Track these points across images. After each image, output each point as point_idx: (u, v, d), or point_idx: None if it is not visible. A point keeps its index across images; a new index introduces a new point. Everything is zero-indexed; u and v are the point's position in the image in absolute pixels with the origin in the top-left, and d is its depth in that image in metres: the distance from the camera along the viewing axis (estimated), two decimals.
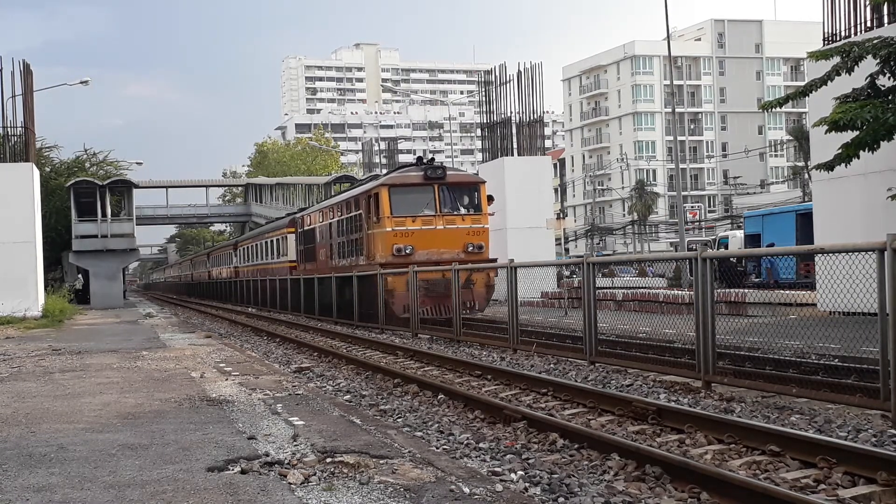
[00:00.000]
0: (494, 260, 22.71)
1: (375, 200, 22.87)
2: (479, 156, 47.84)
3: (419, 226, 22.32)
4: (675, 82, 51.77)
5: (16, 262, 27.83)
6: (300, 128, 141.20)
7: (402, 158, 59.62)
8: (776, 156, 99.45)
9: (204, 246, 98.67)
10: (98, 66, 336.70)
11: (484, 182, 23.77)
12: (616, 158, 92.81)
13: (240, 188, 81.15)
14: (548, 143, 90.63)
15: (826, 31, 19.79)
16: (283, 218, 43.10)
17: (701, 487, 5.73)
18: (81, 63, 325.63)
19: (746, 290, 21.30)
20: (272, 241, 40.95)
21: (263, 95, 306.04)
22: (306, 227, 32.37)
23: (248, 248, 48.27)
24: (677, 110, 47.37)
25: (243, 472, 5.66)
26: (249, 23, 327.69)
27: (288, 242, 36.60)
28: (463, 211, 22.91)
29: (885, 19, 18.29)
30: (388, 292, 21.29)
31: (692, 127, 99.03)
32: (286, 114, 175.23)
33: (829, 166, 15.95)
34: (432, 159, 24.21)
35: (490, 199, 23.51)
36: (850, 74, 15.26)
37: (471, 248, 22.29)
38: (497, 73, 37.48)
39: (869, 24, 18.76)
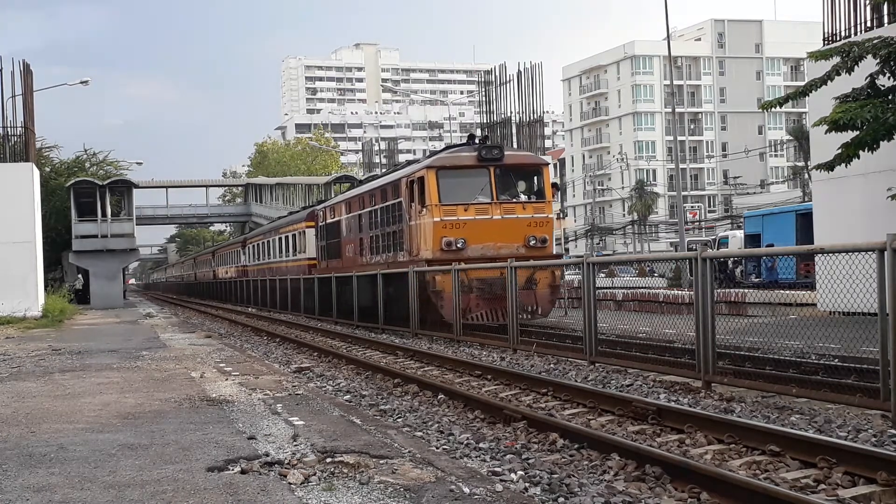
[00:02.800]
0: (560, 256, 20.17)
1: (420, 186, 19.57)
2: None
3: (472, 215, 19.03)
4: (675, 82, 51.79)
5: (16, 262, 27.81)
6: (300, 128, 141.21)
7: (402, 158, 59.61)
8: (776, 156, 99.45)
9: (205, 245, 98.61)
10: (98, 66, 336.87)
11: (548, 164, 20.83)
12: (616, 158, 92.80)
13: (240, 188, 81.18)
14: (548, 143, 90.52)
15: (826, 31, 19.79)
16: (298, 211, 40.29)
17: (701, 487, 5.73)
18: (82, 63, 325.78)
19: (746, 290, 21.31)
20: (287, 238, 37.82)
21: (263, 95, 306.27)
22: (328, 221, 29.18)
23: (258, 245, 45.41)
24: (677, 110, 47.38)
25: (243, 472, 5.66)
26: (249, 23, 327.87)
27: (306, 238, 33.67)
28: (523, 198, 19.68)
29: (885, 19, 18.29)
30: (435, 293, 18.32)
31: (692, 127, 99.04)
32: (286, 114, 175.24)
33: (829, 166, 15.95)
34: (486, 137, 21.17)
35: (554, 186, 20.51)
36: (850, 74, 15.26)
37: (532, 242, 19.05)
38: (497, 73, 37.53)
39: (869, 24, 18.76)
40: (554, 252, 20.12)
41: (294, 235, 36.30)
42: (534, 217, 19.32)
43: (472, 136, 20.56)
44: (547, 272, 18.30)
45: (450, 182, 19.18)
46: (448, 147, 21.75)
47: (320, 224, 30.49)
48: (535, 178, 19.97)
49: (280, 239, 39.31)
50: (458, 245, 18.79)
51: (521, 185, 19.86)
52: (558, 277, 19.25)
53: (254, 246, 46.71)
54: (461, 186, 19.24)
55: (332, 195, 42.11)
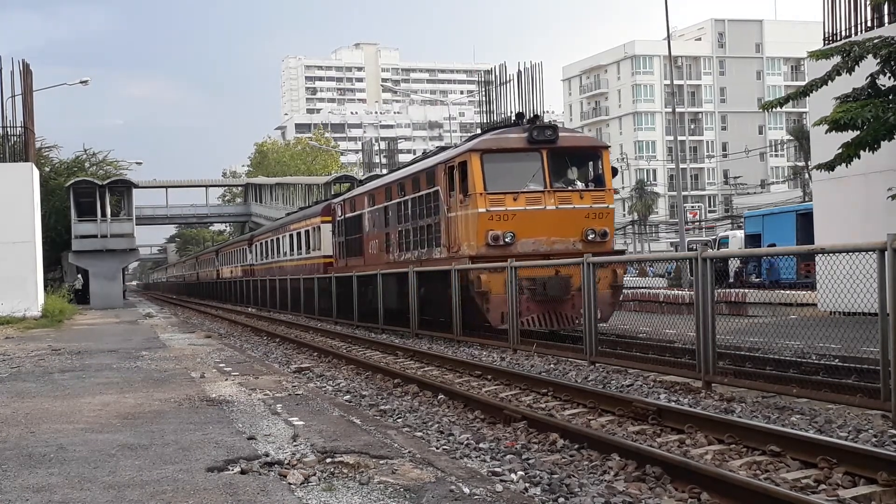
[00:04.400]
0: (622, 252, 18.01)
1: (462, 172, 17.24)
2: None
3: (523, 205, 16.60)
4: (676, 82, 51.76)
5: (15, 262, 27.79)
6: (300, 128, 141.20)
7: (402, 158, 59.56)
8: (776, 156, 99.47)
9: (205, 245, 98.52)
10: (98, 66, 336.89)
11: (607, 147, 18.18)
12: (616, 158, 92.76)
13: (240, 188, 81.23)
14: None
15: (826, 30, 19.79)
16: (311, 206, 38.00)
17: (701, 488, 5.73)
18: (82, 63, 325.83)
19: (746, 290, 21.31)
20: (300, 234, 35.23)
21: (263, 95, 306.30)
22: (348, 215, 26.76)
23: (266, 243, 42.91)
24: (677, 110, 47.33)
25: (243, 472, 5.65)
26: (249, 23, 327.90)
27: (321, 234, 31.16)
28: (580, 185, 17.22)
29: (886, 19, 18.30)
30: (480, 295, 16.09)
31: (692, 127, 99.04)
32: (286, 114, 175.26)
33: (829, 166, 15.95)
34: (537, 116, 18.37)
35: (614, 171, 17.99)
36: (850, 74, 15.26)
37: (591, 236, 16.71)
38: (497, 73, 37.46)
39: (869, 23, 18.77)
40: (614, 248, 17.74)
41: (307, 232, 33.96)
42: (592, 207, 16.91)
43: (520, 115, 18.26)
44: (608, 271, 16.00)
45: (497, 167, 16.82)
46: (492, 128, 19.17)
47: (338, 219, 28.14)
48: (594, 162, 17.57)
49: (291, 236, 36.89)
50: (507, 239, 16.49)
51: (578, 171, 17.44)
52: (621, 277, 16.82)
53: (262, 244, 44.41)
54: (509, 172, 16.87)
55: (332, 195, 41.56)
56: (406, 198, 20.95)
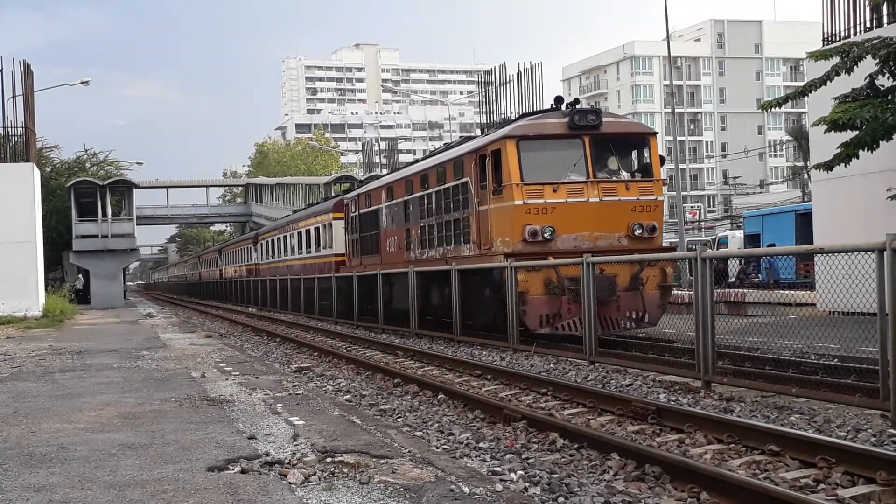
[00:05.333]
0: (672, 249, 16.24)
1: (495, 160, 15.91)
2: None
3: (563, 197, 15.25)
4: (675, 82, 51.78)
5: (16, 262, 27.82)
6: (300, 128, 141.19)
7: (403, 158, 59.63)
8: (776, 156, 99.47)
9: (205, 245, 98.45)
10: (99, 66, 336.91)
11: (655, 133, 16.78)
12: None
13: (240, 188, 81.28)
14: None
15: (826, 31, 19.82)
16: (321, 202, 36.49)
17: (701, 487, 5.74)
18: (83, 63, 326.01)
19: (746, 290, 21.32)
20: (309, 232, 33.78)
21: (263, 95, 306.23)
22: (363, 211, 25.29)
23: (273, 241, 41.36)
24: (677, 110, 47.37)
25: (243, 471, 5.66)
26: (249, 23, 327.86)
27: (333, 231, 29.77)
28: (626, 175, 15.88)
29: (885, 19, 18.32)
30: (517, 296, 14.77)
31: (692, 127, 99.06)
32: (286, 114, 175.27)
33: (828, 166, 15.98)
34: (577, 100, 16.69)
35: (661, 160, 16.67)
36: (849, 74, 15.29)
37: (639, 231, 15.39)
38: (497, 73, 37.50)
39: (868, 24, 18.79)
40: (663, 244, 16.10)
41: (317, 229, 32.44)
42: (640, 200, 15.54)
43: (559, 99, 16.64)
44: (656, 269, 14.76)
45: (535, 156, 15.46)
46: (528, 113, 17.70)
47: (352, 214, 26.60)
48: (640, 150, 16.23)
49: (300, 233, 35.32)
50: (546, 235, 15.15)
51: (623, 160, 16.08)
52: (671, 276, 15.47)
53: (268, 242, 42.88)
54: (549, 161, 15.53)
55: (332, 195, 41.31)
56: (430, 191, 19.52)
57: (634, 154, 16.28)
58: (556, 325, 14.45)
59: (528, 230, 15.22)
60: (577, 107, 15.98)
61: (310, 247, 33.58)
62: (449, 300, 17.02)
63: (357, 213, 25.97)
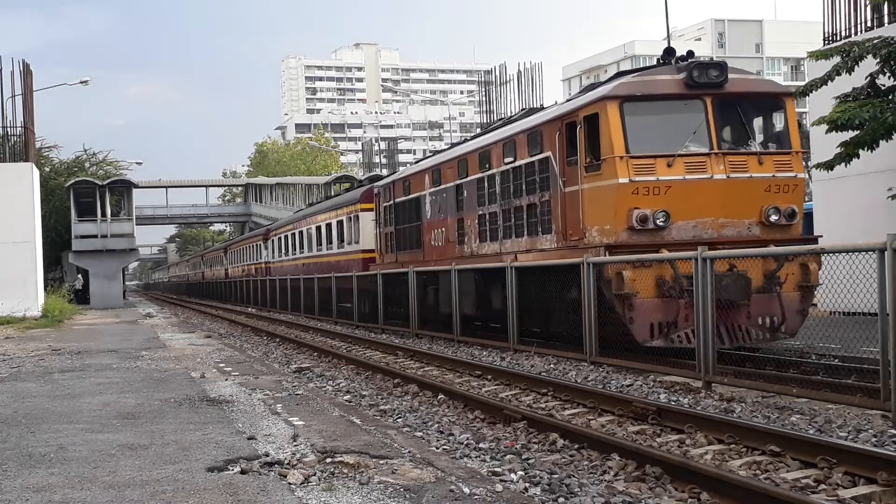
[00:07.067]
0: (815, 240, 13.09)
1: (590, 129, 12.97)
2: None
3: (680, 174, 12.23)
4: None
5: (16, 262, 27.81)
6: (300, 128, 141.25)
7: (403, 158, 59.59)
8: None
9: (205, 245, 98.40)
10: (99, 66, 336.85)
11: (792, 94, 13.69)
12: None
13: (240, 188, 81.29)
14: None
15: (826, 30, 19.82)
16: (343, 193, 33.41)
17: (701, 487, 5.73)
18: (83, 64, 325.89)
19: None
20: (330, 226, 30.68)
21: (263, 95, 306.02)
22: (398, 200, 22.35)
23: (286, 237, 38.42)
24: None
25: (243, 472, 5.65)
26: (249, 23, 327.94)
27: (360, 224, 26.74)
28: (756, 147, 12.76)
29: (885, 19, 18.33)
30: (620, 299, 11.97)
31: None
32: (286, 114, 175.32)
33: (828, 166, 15.98)
34: (691, 53, 13.26)
35: (799, 126, 13.99)
36: (850, 74, 15.29)
37: (775, 217, 12.42)
38: (497, 73, 37.54)
39: (869, 23, 18.80)
40: (802, 234, 13.05)
41: (340, 222, 29.31)
42: (776, 177, 12.47)
43: (670, 51, 13.33)
44: (795, 266, 12.03)
45: (643, 121, 12.55)
46: (627, 71, 14.20)
47: (384, 205, 23.54)
48: (775, 115, 13.26)
49: (319, 228, 32.27)
50: (658, 221, 12.20)
51: (754, 126, 13.11)
52: (815, 274, 12.08)
53: (280, 238, 39.83)
54: (661, 128, 12.63)
55: (332, 195, 40.92)
56: (492, 171, 16.50)
57: (770, 119, 13.34)
58: (671, 336, 11.66)
59: (635, 215, 12.17)
60: (695, 59, 12.80)
61: (331, 243, 30.79)
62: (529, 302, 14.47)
63: (392, 202, 22.85)
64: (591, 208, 13.02)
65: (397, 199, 22.49)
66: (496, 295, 15.94)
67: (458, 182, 18.32)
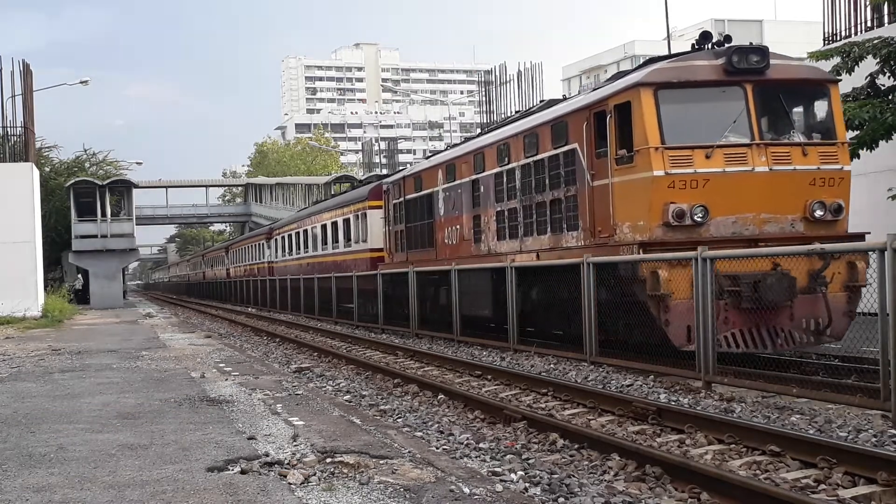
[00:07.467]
0: (861, 237, 11.61)
1: (621, 118, 12.24)
2: None
3: (719, 166, 11.52)
4: None
5: (15, 262, 27.81)
6: (300, 128, 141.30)
7: (403, 159, 59.57)
8: None
9: (205, 245, 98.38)
10: (99, 66, 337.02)
11: (837, 80, 12.94)
12: None
13: (240, 188, 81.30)
14: None
15: (826, 31, 19.84)
16: (349, 191, 32.71)
17: (701, 487, 5.73)
18: (83, 64, 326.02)
19: None
20: (336, 224, 29.97)
21: (263, 95, 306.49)
22: (409, 197, 21.61)
23: (290, 236, 37.74)
24: None
25: (243, 472, 5.65)
26: (250, 23, 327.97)
27: (368, 222, 26.05)
28: (800, 137, 12.08)
29: (885, 19, 18.35)
30: (655, 300, 11.23)
31: None
32: (286, 114, 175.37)
33: None
34: (729, 37, 12.50)
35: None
36: (850, 74, 15.30)
37: (820, 213, 11.68)
38: (497, 73, 37.56)
39: (869, 24, 18.83)
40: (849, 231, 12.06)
41: (347, 221, 28.52)
42: (821, 169, 11.73)
43: (706, 35, 12.59)
44: (841, 264, 11.28)
45: (679, 110, 11.86)
46: (661, 57, 13.26)
47: (394, 201, 22.78)
48: (819, 103, 12.43)
49: (325, 227, 31.54)
50: (696, 217, 11.45)
51: (797, 115, 12.49)
52: (862, 273, 11.26)
53: (284, 238, 39.15)
54: (698, 117, 11.96)
55: (332, 195, 40.75)
56: (511, 165, 15.80)
57: (813, 107, 12.56)
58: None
59: (671, 210, 11.40)
60: (734, 44, 12.11)
61: (337, 241, 30.00)
62: (553, 303, 13.82)
63: (401, 199, 22.09)
64: (622, 203, 12.31)
65: (408, 196, 21.70)
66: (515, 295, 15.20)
67: (475, 177, 17.61)
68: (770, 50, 12.09)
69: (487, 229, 17.00)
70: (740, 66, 11.72)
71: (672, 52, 13.33)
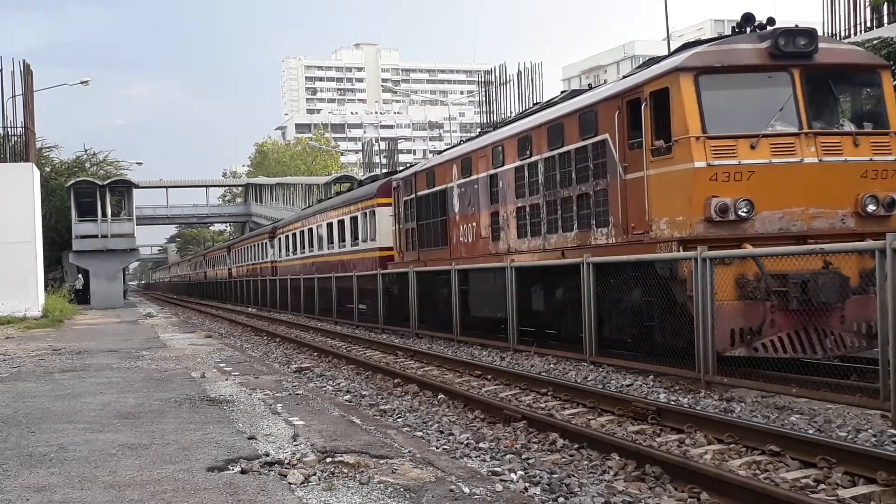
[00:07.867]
0: None
1: (658, 105, 11.45)
2: None
3: (765, 157, 10.69)
4: None
5: (16, 262, 27.80)
6: (300, 128, 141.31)
7: (403, 159, 59.52)
8: None
9: (206, 245, 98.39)
10: (99, 66, 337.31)
11: (889, 66, 12.14)
12: None
13: (240, 188, 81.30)
14: None
15: (826, 31, 19.83)
16: (357, 187, 31.64)
17: (701, 487, 5.74)
18: (83, 64, 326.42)
19: None
20: (343, 223, 29.01)
21: (263, 95, 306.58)
22: (420, 193, 20.72)
23: (294, 235, 36.94)
24: None
25: (243, 472, 5.66)
26: (249, 23, 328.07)
27: (377, 220, 25.21)
28: (850, 126, 11.22)
29: (885, 19, 18.34)
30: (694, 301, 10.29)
31: None
32: (286, 114, 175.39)
33: None
34: (772, 20, 11.83)
35: None
36: None
37: (872, 208, 10.80)
38: (497, 73, 37.56)
39: (869, 24, 18.83)
40: None
41: (355, 219, 27.62)
42: (873, 161, 10.88)
43: (748, 18, 11.67)
44: None
45: (722, 97, 10.99)
46: (698, 42, 12.27)
47: (404, 199, 21.98)
48: (870, 90, 11.60)
49: (331, 225, 30.59)
50: (740, 211, 10.62)
51: (846, 103, 11.75)
52: None
53: (287, 237, 38.29)
54: (742, 104, 11.09)
55: (332, 195, 40.62)
56: (534, 158, 14.92)
57: (864, 94, 11.76)
58: (754, 345, 10.17)
59: (714, 205, 10.56)
60: (780, 27, 11.31)
61: (344, 240, 29.04)
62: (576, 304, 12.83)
63: (412, 196, 21.21)
64: (659, 197, 11.43)
65: (419, 193, 20.79)
66: (551, 294, 14.42)
67: (493, 171, 16.67)
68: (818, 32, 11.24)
69: (507, 226, 16.17)
70: (787, 49, 10.96)
71: (714, 39, 12.29)
